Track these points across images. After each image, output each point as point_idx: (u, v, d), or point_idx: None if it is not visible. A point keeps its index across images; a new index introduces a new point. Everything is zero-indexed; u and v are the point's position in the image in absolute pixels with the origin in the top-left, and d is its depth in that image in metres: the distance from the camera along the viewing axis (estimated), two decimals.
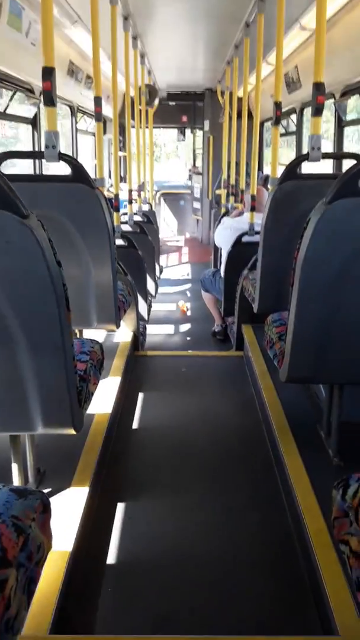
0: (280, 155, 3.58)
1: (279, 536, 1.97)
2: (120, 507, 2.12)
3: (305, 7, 3.64)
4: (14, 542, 1.04)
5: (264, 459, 2.43)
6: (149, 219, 5.45)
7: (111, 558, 1.87)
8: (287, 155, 6.35)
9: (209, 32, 4.99)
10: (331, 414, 2.16)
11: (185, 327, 5.16)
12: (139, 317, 3.77)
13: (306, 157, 2.51)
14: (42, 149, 2.35)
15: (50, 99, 2.24)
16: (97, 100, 3.15)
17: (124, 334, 3.59)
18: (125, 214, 4.60)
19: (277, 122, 3.30)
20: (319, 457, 2.15)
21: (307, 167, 2.97)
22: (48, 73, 2.22)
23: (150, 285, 4.62)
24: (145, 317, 4.29)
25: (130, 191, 4.67)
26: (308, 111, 5.23)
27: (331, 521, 1.28)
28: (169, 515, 2.09)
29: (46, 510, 1.20)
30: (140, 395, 3.10)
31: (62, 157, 2.30)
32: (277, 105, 3.23)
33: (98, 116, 3.20)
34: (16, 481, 1.83)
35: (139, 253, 3.95)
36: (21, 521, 1.09)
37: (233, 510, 2.12)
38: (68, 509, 1.86)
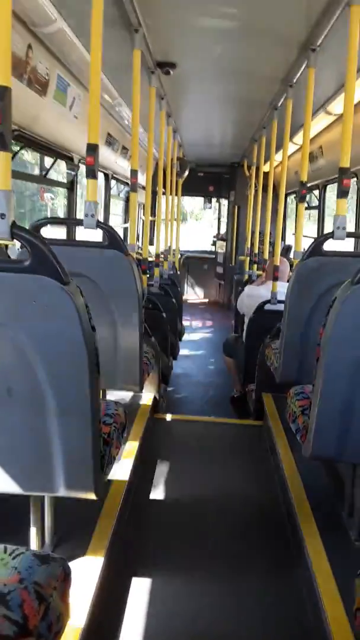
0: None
1: (295, 622, 1.89)
2: (135, 581, 2.06)
3: (331, 94, 3.88)
4: (36, 611, 1.03)
5: (282, 537, 2.36)
6: (174, 281, 5.58)
7: (124, 635, 1.81)
8: (307, 227, 6.53)
9: (237, 113, 5.30)
10: (354, 494, 2.12)
11: (204, 390, 5.15)
12: (160, 379, 3.79)
13: (331, 236, 2.60)
14: (80, 215, 2.48)
15: (92, 172, 2.39)
16: (134, 173, 3.33)
17: (145, 395, 3.60)
18: (152, 276, 4.74)
19: (302, 199, 3.44)
20: (340, 539, 2.09)
21: (330, 244, 3.06)
22: (92, 149, 2.37)
23: (171, 347, 4.67)
24: (167, 378, 4.31)
25: (157, 255, 4.83)
26: (329, 187, 5.43)
27: (353, 610, 1.24)
28: (183, 593, 2.02)
29: (67, 578, 1.19)
30: (158, 461, 3.07)
31: (100, 225, 2.42)
32: (303, 184, 3.38)
33: (133, 187, 3.38)
34: (33, 544, 1.82)
35: (163, 315, 4.03)
36: (43, 589, 1.09)
37: (248, 592, 2.04)
38: (83, 578, 1.82)
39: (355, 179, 4.08)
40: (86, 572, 1.85)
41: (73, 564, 1.86)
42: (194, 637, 1.79)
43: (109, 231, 2.51)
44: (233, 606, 1.96)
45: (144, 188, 5.78)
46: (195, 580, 2.09)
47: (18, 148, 3.46)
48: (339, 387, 1.85)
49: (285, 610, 1.95)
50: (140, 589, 2.02)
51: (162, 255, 5.64)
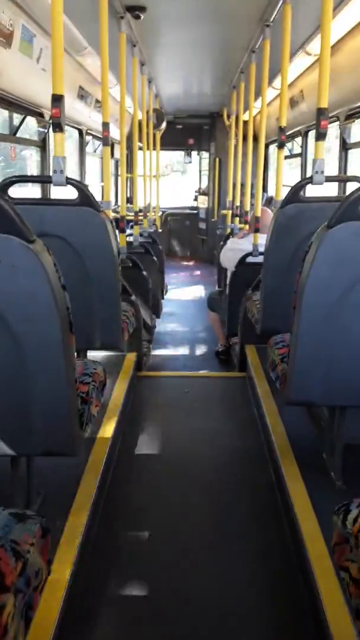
0: (285, 177, 3.62)
1: (279, 561, 1.94)
2: (120, 533, 2.10)
3: (310, 34, 3.72)
4: (12, 567, 1.03)
5: (266, 481, 2.41)
6: (155, 239, 5.50)
7: (110, 586, 1.84)
8: (292, 176, 6.42)
9: (214, 58, 5.10)
10: (333, 436, 2.15)
11: (189, 346, 5.16)
12: (143, 338, 3.78)
13: (310, 181, 2.54)
14: (51, 173, 2.40)
15: (58, 125, 2.29)
16: (105, 125, 3.21)
17: (127, 354, 3.60)
18: (131, 234, 4.65)
19: (281, 145, 3.35)
20: (321, 480, 2.13)
21: (312, 190, 3.01)
22: (57, 100, 2.26)
23: (154, 305, 4.65)
24: (149, 337, 4.30)
25: (136, 213, 4.73)
26: (312, 134, 5.30)
27: (332, 546, 1.27)
28: (169, 540, 2.06)
29: (45, 535, 1.20)
30: (143, 417, 3.09)
31: (69, 181, 2.34)
32: (282, 129, 3.28)
33: (105, 140, 3.26)
34: (16, 504, 1.82)
35: (143, 274, 3.98)
36: (20, 546, 1.08)
37: (234, 534, 2.09)
38: (67, 534, 1.84)
39: (337, 122, 3.97)
40: (70, 528, 1.87)
41: (58, 522, 1.88)
42: (183, 586, 1.83)
43: (80, 188, 2.43)
44: (221, 551, 2.00)
45: (120, 143, 5.62)
46: (181, 531, 2.12)
47: None
48: (316, 332, 1.85)
49: (270, 550, 2.00)
50: (126, 541, 2.06)
51: (142, 213, 5.54)
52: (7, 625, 0.97)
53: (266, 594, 1.80)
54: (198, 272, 9.15)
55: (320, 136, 2.45)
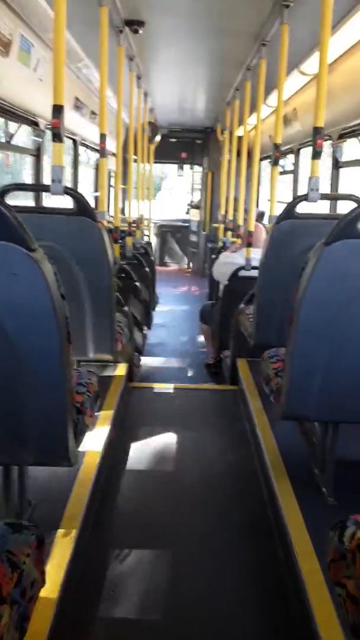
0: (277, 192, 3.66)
1: (271, 576, 1.94)
2: (111, 545, 2.08)
3: (306, 54, 3.79)
4: (8, 578, 1.02)
5: (258, 497, 2.41)
6: (147, 250, 5.52)
7: (101, 597, 1.82)
8: (282, 192, 6.49)
9: (210, 74, 5.16)
10: (325, 452, 2.16)
11: (179, 358, 5.16)
12: (134, 348, 3.78)
13: (305, 198, 2.57)
14: (46, 181, 2.40)
15: (58, 135, 2.30)
16: (102, 137, 3.23)
17: (119, 365, 3.59)
18: (124, 245, 4.66)
19: (275, 162, 3.39)
20: (313, 495, 2.14)
21: (303, 207, 3.05)
22: (57, 111, 2.27)
23: (146, 316, 4.65)
24: (140, 348, 4.29)
25: (129, 223, 4.74)
26: (304, 151, 5.39)
27: (326, 562, 1.27)
28: (160, 554, 2.05)
29: (40, 546, 1.19)
30: (134, 429, 3.08)
31: (67, 191, 2.35)
32: (277, 146, 3.32)
33: (102, 152, 3.28)
34: (7, 514, 1.80)
35: (136, 284, 3.98)
36: (16, 556, 1.07)
37: (225, 549, 2.08)
38: (58, 544, 1.82)
39: (329, 140, 4.04)
40: (62, 539, 1.85)
41: (48, 533, 1.86)
42: (173, 601, 1.82)
43: (77, 197, 2.44)
44: (212, 567, 1.99)
45: (114, 155, 5.64)
46: (173, 544, 2.11)
47: None
48: (312, 348, 1.86)
49: (262, 566, 1.99)
50: (116, 553, 2.04)
51: (135, 224, 5.56)
52: (3, 636, 0.96)
53: (258, 610, 1.79)
54: (189, 284, 9.18)
55: (316, 155, 2.49)
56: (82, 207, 2.42)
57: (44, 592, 1.55)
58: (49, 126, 4.03)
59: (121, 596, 1.83)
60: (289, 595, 1.83)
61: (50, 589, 1.60)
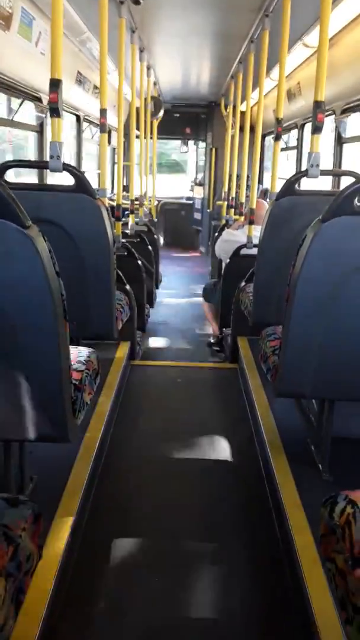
0: (281, 169, 3.62)
1: (267, 550, 1.98)
2: (111, 520, 2.12)
3: (309, 25, 3.70)
4: (4, 552, 1.05)
5: (255, 472, 2.44)
6: (150, 228, 5.49)
7: (101, 570, 1.87)
8: (287, 168, 6.41)
9: (214, 47, 5.06)
10: (322, 429, 2.18)
11: (181, 336, 5.17)
12: (136, 327, 3.79)
13: (305, 174, 2.54)
14: (47, 158, 2.38)
15: (56, 110, 2.27)
16: (103, 112, 3.19)
17: (121, 343, 3.61)
18: (126, 223, 4.64)
19: (277, 137, 3.34)
20: (309, 471, 2.17)
21: (306, 183, 3.01)
22: (55, 85, 2.25)
23: (148, 295, 4.65)
24: (143, 326, 4.31)
25: (132, 201, 4.70)
26: (308, 127, 5.30)
27: (319, 537, 1.29)
28: (159, 529, 2.09)
29: (37, 520, 1.21)
30: (135, 406, 3.11)
31: (65, 167, 2.33)
32: (279, 121, 3.27)
33: (103, 127, 3.24)
34: (8, 489, 1.84)
35: (138, 263, 3.98)
36: (12, 530, 1.10)
37: (222, 523, 2.13)
38: (59, 519, 1.86)
39: (333, 115, 3.97)
40: (62, 513, 1.89)
41: (49, 506, 1.90)
42: (172, 575, 1.86)
43: (76, 174, 2.43)
44: (209, 540, 2.04)
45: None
46: (172, 519, 2.16)
47: None
48: (308, 325, 1.87)
49: (257, 540, 2.04)
50: (116, 528, 2.08)
51: (137, 202, 5.51)
52: None
53: (253, 583, 1.83)
54: (192, 263, 9.14)
55: (317, 129, 2.45)
56: (81, 184, 2.40)
57: (42, 566, 1.59)
58: None
59: (120, 569, 1.88)
60: (283, 568, 1.87)
61: (49, 563, 1.64)
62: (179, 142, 10.28)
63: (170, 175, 12.36)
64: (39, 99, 3.99)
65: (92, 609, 1.71)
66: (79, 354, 2.03)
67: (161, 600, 1.75)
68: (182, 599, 1.76)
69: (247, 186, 5.67)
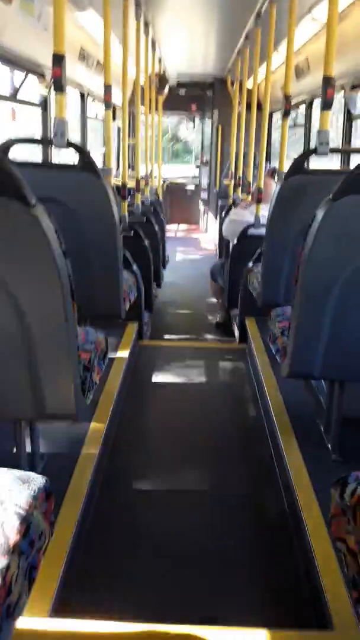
0: (289, 147, 3.57)
1: (277, 531, 1.99)
2: (121, 496, 2.14)
3: None
4: (16, 530, 1.06)
5: (264, 453, 2.45)
6: (156, 208, 5.44)
7: (112, 545, 1.89)
8: (295, 147, 6.32)
9: (220, 21, 4.95)
10: (331, 409, 2.18)
11: (189, 316, 5.17)
12: (144, 307, 3.79)
13: (314, 152, 2.50)
14: (52, 135, 2.35)
15: (60, 85, 2.24)
16: (107, 89, 3.14)
17: (129, 323, 3.61)
18: (132, 203, 4.59)
19: (286, 114, 3.29)
20: (318, 452, 2.17)
21: (317, 162, 2.96)
22: (58, 60, 2.21)
23: (155, 275, 4.63)
24: (150, 306, 4.30)
25: (137, 180, 4.65)
26: (317, 103, 5.20)
27: (329, 518, 1.30)
28: (169, 507, 2.11)
29: (49, 498, 1.22)
30: (144, 385, 3.12)
31: (70, 144, 2.30)
32: (287, 98, 3.21)
33: (107, 104, 3.20)
34: (20, 467, 1.86)
35: (144, 243, 3.95)
36: (23, 508, 1.11)
37: (232, 504, 2.14)
38: (70, 496, 1.88)
39: (342, 92, 3.89)
40: (73, 490, 1.91)
41: (60, 484, 1.92)
42: (182, 551, 1.88)
43: (81, 151, 2.40)
44: (220, 519, 2.05)
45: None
46: (179, 494, 2.18)
47: None
48: (317, 305, 1.85)
49: (267, 521, 2.05)
50: (126, 504, 2.10)
51: (143, 181, 5.46)
52: (11, 585, 0.99)
53: (263, 561, 1.85)
54: (199, 243, 9.09)
55: (326, 106, 2.40)
56: (86, 162, 2.38)
57: (54, 543, 1.60)
58: None
59: (131, 545, 1.90)
60: (293, 548, 1.88)
61: (61, 540, 1.66)
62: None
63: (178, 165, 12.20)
64: (42, 75, 3.92)
65: (105, 584, 1.73)
66: (87, 334, 2.03)
67: (171, 574, 1.78)
68: (191, 579, 1.78)
69: (255, 165, 5.60)
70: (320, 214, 1.75)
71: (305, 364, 1.98)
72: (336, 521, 1.24)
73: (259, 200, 3.81)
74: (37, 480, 1.21)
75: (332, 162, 4.28)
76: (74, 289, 1.53)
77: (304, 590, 1.71)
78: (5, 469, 1.23)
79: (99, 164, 2.51)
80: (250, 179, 5.05)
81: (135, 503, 2.11)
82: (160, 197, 6.98)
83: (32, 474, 1.25)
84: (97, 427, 2.33)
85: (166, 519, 2.04)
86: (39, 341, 1.52)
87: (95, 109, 6.24)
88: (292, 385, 2.70)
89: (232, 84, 7.00)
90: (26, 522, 1.09)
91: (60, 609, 1.52)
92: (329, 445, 2.19)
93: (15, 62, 3.46)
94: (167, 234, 6.17)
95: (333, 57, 2.39)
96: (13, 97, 3.94)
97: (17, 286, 1.44)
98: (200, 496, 2.18)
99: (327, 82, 2.37)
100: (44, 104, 4.14)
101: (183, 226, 10.52)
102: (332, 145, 2.53)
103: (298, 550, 1.85)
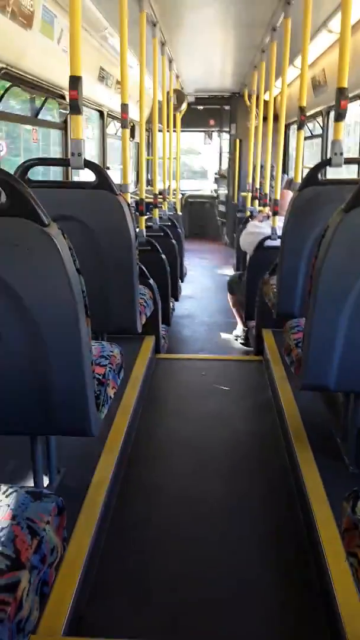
0: (309, 158, 3.57)
1: (291, 544, 1.97)
2: (137, 511, 2.14)
3: (331, 11, 3.63)
4: (28, 544, 1.07)
5: (280, 465, 2.43)
6: (174, 223, 5.49)
7: (126, 562, 1.89)
8: (313, 158, 6.30)
9: (235, 36, 5.01)
10: (348, 421, 2.15)
11: (207, 329, 5.17)
12: (161, 321, 3.80)
13: (328, 163, 2.50)
14: (70, 155, 2.41)
15: (76, 107, 2.29)
16: (124, 107, 3.20)
17: (145, 337, 3.63)
18: (150, 218, 4.64)
19: (301, 126, 3.30)
20: (334, 464, 2.14)
21: (332, 173, 2.97)
22: (75, 82, 2.27)
23: (173, 288, 4.66)
24: (168, 320, 4.32)
25: (155, 195, 4.71)
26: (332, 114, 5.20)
27: (342, 532, 1.28)
28: (185, 519, 2.10)
29: (61, 513, 1.23)
30: (160, 399, 3.12)
31: (87, 164, 2.35)
32: (302, 109, 3.23)
33: (124, 123, 3.25)
34: (36, 482, 1.88)
35: (162, 257, 3.98)
36: (36, 523, 1.12)
37: (247, 516, 2.12)
38: (85, 511, 1.89)
39: (358, 102, 3.89)
40: (88, 505, 1.92)
41: (76, 499, 1.93)
42: (197, 565, 1.87)
43: (97, 170, 2.44)
44: (235, 531, 2.04)
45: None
46: (196, 507, 2.16)
47: (6, 87, 3.31)
48: (331, 317, 1.84)
49: (282, 534, 2.02)
50: (142, 519, 2.10)
51: (161, 196, 5.51)
52: (22, 600, 1.00)
53: (278, 576, 1.83)
54: (218, 255, 9.11)
55: (340, 116, 2.41)
56: (102, 180, 2.42)
57: (68, 558, 1.61)
58: None
59: (145, 561, 1.90)
60: (308, 561, 1.86)
61: (76, 555, 1.67)
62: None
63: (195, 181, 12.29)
64: (62, 97, 4.02)
65: (119, 600, 1.73)
66: (102, 348, 2.05)
67: (186, 591, 1.76)
68: (208, 589, 1.76)
69: (272, 177, 5.61)
70: (332, 224, 1.75)
71: (320, 376, 1.97)
72: (348, 535, 1.23)
73: (275, 212, 3.82)
74: (50, 496, 1.23)
75: (352, 172, 4.27)
76: (87, 304, 1.56)
77: (319, 603, 1.69)
78: (17, 485, 1.25)
79: (119, 180, 2.55)
80: (267, 191, 5.06)
81: (151, 519, 2.10)
82: (179, 211, 7.03)
83: (44, 490, 1.26)
84: (112, 441, 2.34)
85: (182, 533, 2.03)
86: (53, 356, 1.54)
87: (116, 126, 6.35)
88: (308, 396, 2.68)
89: (249, 97, 7.05)
90: (37, 538, 1.10)
91: (74, 626, 1.52)
92: (346, 458, 2.16)
93: (36, 85, 3.55)
94: (186, 247, 6.20)
95: (347, 68, 2.40)
96: (35, 119, 4.04)
97: (32, 303, 1.47)
98: (217, 511, 2.17)
99: (341, 92, 2.38)
100: (64, 125, 4.24)
101: (202, 239, 10.55)
102: (350, 155, 2.53)
103: (313, 563, 1.82)
